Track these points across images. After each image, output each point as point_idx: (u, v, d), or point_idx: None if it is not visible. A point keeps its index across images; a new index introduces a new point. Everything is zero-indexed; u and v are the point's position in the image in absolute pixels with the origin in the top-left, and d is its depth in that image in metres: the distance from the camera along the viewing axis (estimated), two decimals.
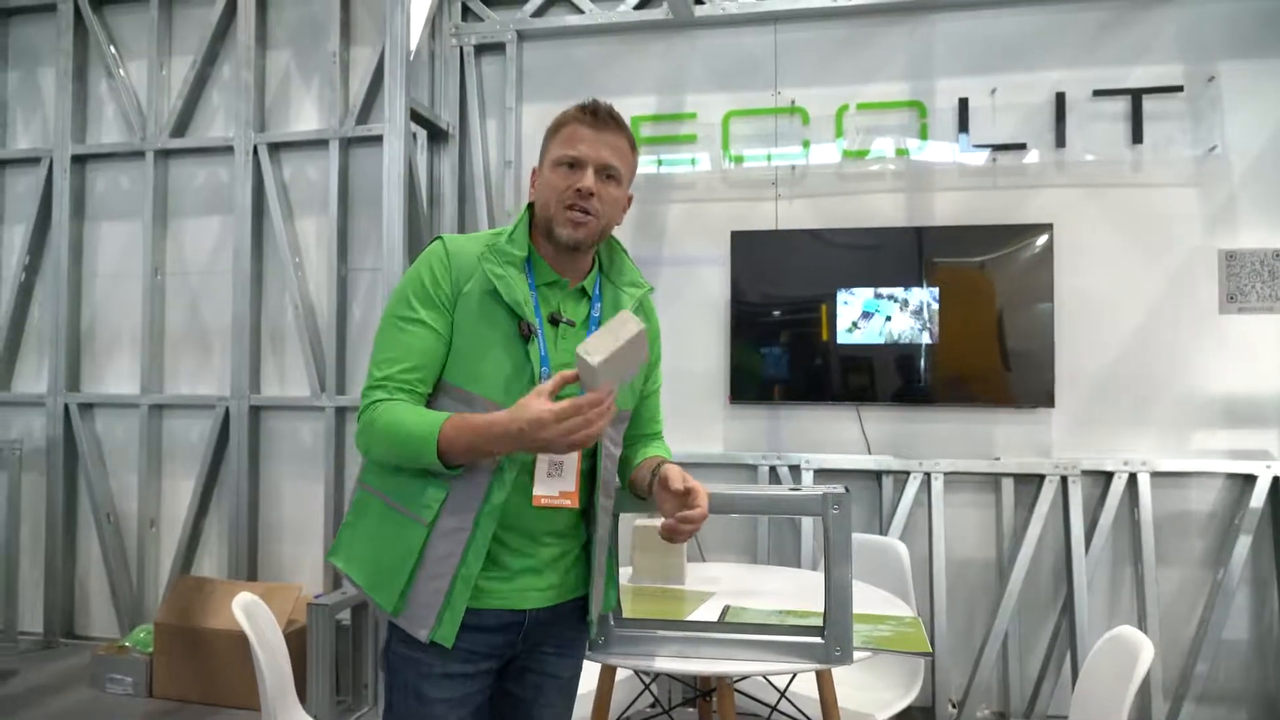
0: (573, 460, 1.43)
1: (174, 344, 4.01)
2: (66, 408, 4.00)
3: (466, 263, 1.42)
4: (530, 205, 1.51)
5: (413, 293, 1.42)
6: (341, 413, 3.71)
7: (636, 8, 3.64)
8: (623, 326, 1.27)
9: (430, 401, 1.42)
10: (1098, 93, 3.32)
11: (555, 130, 1.46)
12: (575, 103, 1.47)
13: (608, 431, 1.48)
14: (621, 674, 2.26)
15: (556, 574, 1.47)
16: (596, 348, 1.25)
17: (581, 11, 3.69)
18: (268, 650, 1.87)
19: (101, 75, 4.11)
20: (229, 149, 3.86)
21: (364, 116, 3.76)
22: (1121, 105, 3.31)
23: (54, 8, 4.06)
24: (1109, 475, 3.23)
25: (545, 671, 1.51)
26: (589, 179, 1.41)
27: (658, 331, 1.63)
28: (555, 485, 1.42)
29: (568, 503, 1.43)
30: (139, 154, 3.99)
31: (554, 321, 1.44)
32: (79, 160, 4.08)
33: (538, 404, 1.26)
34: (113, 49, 4.05)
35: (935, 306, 3.32)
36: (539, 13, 3.75)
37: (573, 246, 1.43)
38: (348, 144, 3.79)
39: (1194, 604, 3.21)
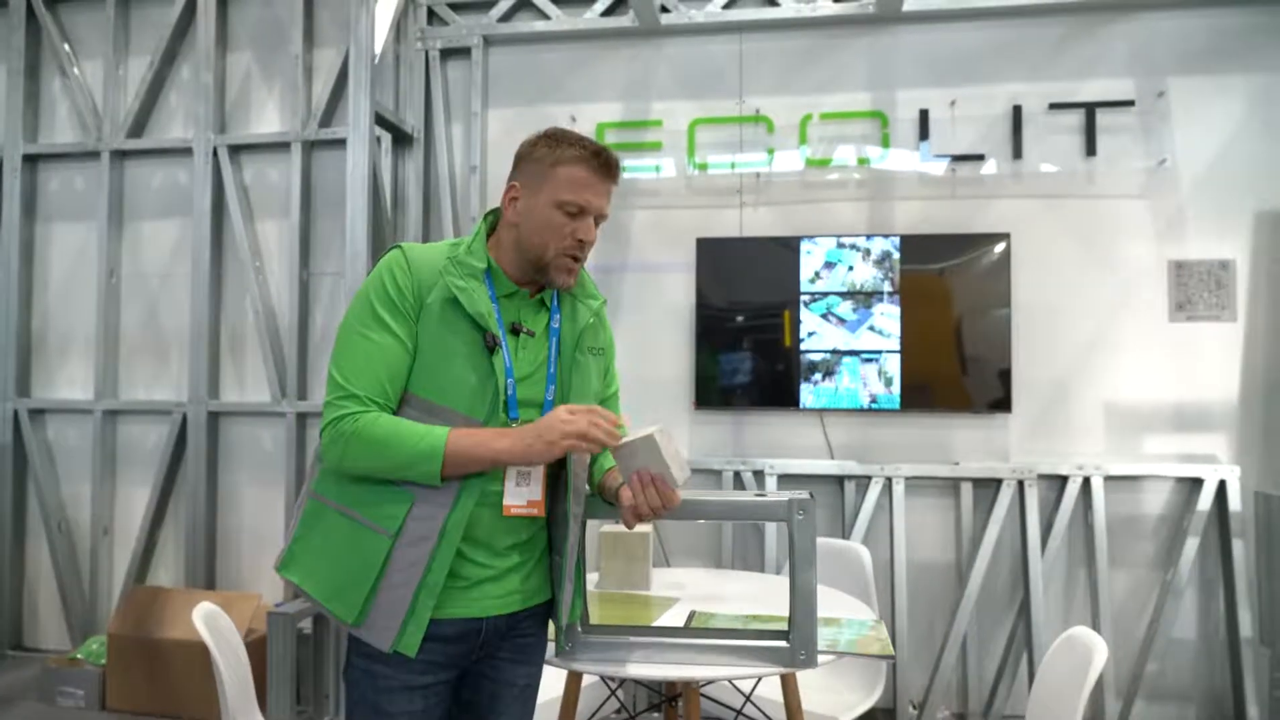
0: (539, 471, 1.45)
1: (130, 348, 3.93)
2: (16, 413, 3.89)
3: (427, 273, 1.41)
4: (491, 214, 1.52)
5: (378, 301, 1.40)
6: (303, 419, 3.66)
7: (603, 14, 3.65)
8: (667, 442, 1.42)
9: (395, 413, 1.42)
10: (1053, 106, 3.40)
11: (559, 164, 1.42)
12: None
13: None
14: (587, 680, 2.26)
15: (515, 581, 1.48)
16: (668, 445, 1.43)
17: (548, 17, 3.69)
18: (229, 660, 1.85)
19: (55, 73, 4.02)
20: (188, 150, 3.80)
21: (327, 120, 3.72)
22: (1076, 118, 3.40)
23: (4, 4, 3.96)
24: (1064, 479, 3.31)
25: (501, 679, 1.52)
26: (593, 232, 1.46)
27: (612, 339, 1.66)
28: (523, 495, 1.43)
29: (535, 511, 1.44)
30: (94, 154, 3.90)
31: (515, 331, 1.46)
32: (30, 160, 3.98)
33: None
34: (67, 47, 3.96)
35: (897, 313, 3.38)
36: (505, 18, 3.75)
37: (560, 289, 1.49)
38: (310, 147, 3.74)
39: (1144, 604, 3.30)
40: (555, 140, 1.45)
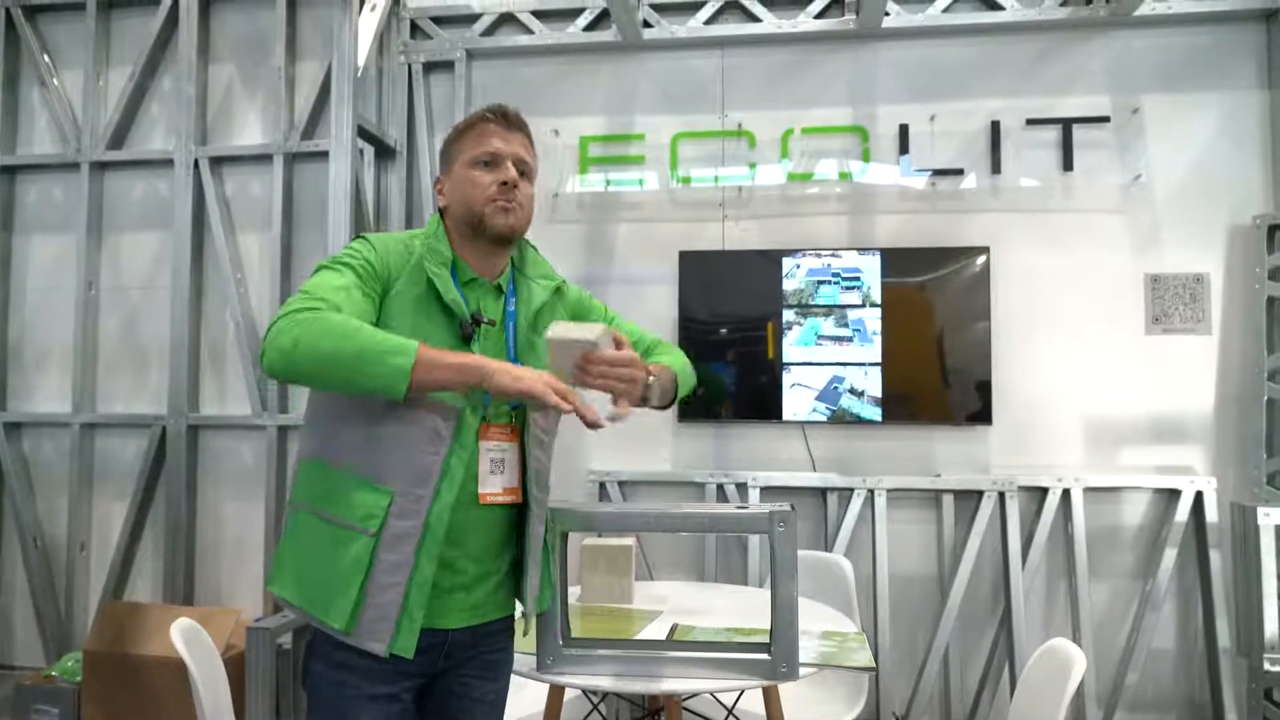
0: (513, 456, 1.47)
1: (108, 361, 3.89)
2: None
3: (395, 261, 1.44)
4: (440, 213, 1.54)
5: (351, 258, 1.40)
6: (284, 432, 3.63)
7: (586, 29, 3.67)
8: (589, 328, 1.40)
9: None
10: (1031, 121, 3.45)
11: (463, 131, 1.51)
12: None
13: (536, 419, 1.49)
14: (569, 694, 2.25)
15: (483, 592, 1.47)
16: (563, 328, 1.41)
17: (531, 32, 3.71)
18: (207, 677, 1.83)
19: (34, 84, 3.99)
20: (169, 162, 3.77)
21: (309, 132, 3.71)
22: (1053, 134, 3.44)
23: None
24: (1044, 491, 3.33)
25: (469, 695, 1.51)
26: (511, 171, 1.47)
27: (586, 299, 1.74)
28: (499, 482, 1.45)
29: (511, 498, 1.46)
30: (73, 166, 3.87)
31: (476, 322, 1.47)
32: (8, 171, 3.94)
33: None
34: (46, 57, 3.93)
35: (877, 328, 3.40)
36: (488, 32, 3.76)
37: (507, 234, 1.47)
38: (292, 159, 3.73)
39: (1124, 615, 3.32)
40: (458, 123, 1.56)
